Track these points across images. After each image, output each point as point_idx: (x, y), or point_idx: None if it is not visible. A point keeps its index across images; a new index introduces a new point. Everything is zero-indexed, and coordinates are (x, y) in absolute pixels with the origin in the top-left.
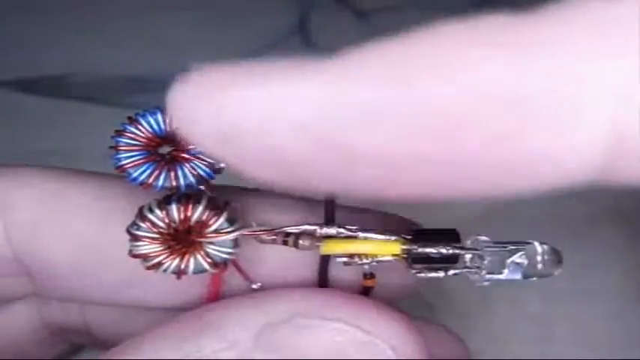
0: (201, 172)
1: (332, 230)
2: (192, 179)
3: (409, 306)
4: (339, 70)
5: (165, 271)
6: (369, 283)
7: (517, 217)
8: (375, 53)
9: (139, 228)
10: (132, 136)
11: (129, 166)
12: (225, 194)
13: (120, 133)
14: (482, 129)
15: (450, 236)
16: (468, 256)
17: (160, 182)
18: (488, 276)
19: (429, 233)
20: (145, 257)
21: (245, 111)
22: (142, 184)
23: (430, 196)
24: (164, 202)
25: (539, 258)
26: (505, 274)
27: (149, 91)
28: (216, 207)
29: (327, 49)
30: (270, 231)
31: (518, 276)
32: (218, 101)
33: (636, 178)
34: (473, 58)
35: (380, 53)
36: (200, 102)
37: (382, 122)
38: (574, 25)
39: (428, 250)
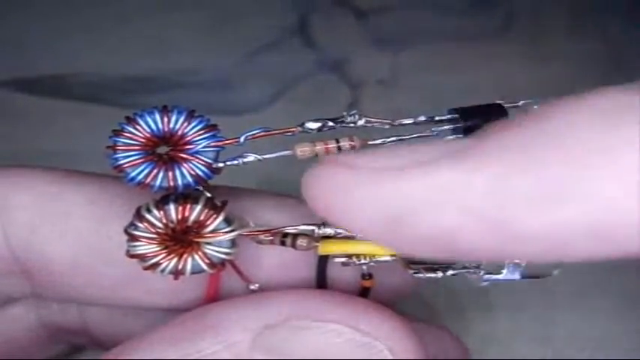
0: (199, 172)
1: (330, 230)
2: (189, 179)
3: (409, 306)
4: (499, 157)
5: (162, 271)
6: (367, 283)
7: None
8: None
9: (136, 228)
10: (130, 135)
11: (126, 166)
12: (223, 194)
13: (118, 132)
14: None
15: None
16: None
17: (158, 182)
18: (486, 276)
19: None
20: (142, 257)
21: (413, 197)
22: (139, 183)
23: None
24: (162, 203)
25: None
26: (504, 275)
27: (149, 91)
28: (213, 207)
29: (327, 49)
30: (268, 231)
31: (516, 276)
32: (387, 187)
33: None
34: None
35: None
36: (363, 188)
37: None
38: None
39: None
